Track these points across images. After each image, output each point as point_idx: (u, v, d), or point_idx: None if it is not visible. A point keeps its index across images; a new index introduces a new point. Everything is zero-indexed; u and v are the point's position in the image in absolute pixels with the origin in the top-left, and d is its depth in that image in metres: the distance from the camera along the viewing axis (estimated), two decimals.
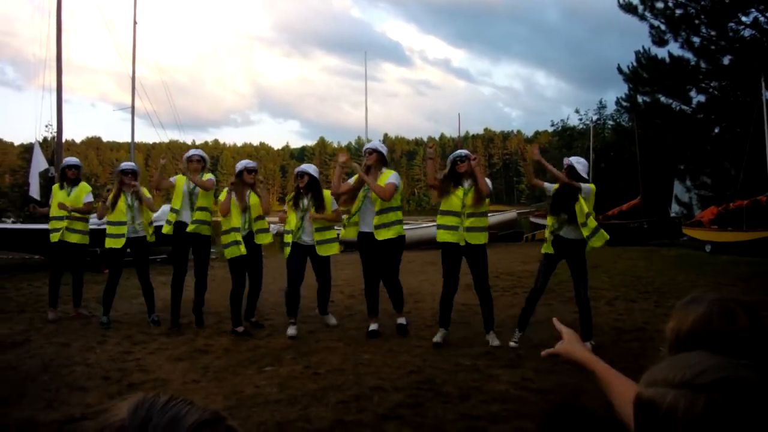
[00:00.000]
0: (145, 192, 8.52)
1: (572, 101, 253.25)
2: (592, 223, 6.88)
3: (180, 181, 8.32)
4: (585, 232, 6.84)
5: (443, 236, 7.18)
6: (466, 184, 7.12)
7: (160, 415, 0.80)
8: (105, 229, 8.47)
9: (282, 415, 4.89)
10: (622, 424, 1.26)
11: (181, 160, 8.51)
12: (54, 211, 8.66)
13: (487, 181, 7.35)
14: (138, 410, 0.81)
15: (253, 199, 7.98)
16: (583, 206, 6.83)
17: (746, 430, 0.96)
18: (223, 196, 7.94)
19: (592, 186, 7.00)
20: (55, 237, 8.59)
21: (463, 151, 7.37)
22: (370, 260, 7.66)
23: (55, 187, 8.93)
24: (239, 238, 7.77)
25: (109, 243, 8.33)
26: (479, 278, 7.17)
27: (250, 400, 5.27)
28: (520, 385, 5.58)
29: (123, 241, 8.23)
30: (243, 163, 8.22)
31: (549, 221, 7.19)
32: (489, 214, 7.49)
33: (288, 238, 7.78)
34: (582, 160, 7.23)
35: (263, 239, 8.10)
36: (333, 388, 5.56)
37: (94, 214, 8.96)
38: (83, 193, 8.73)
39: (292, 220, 7.76)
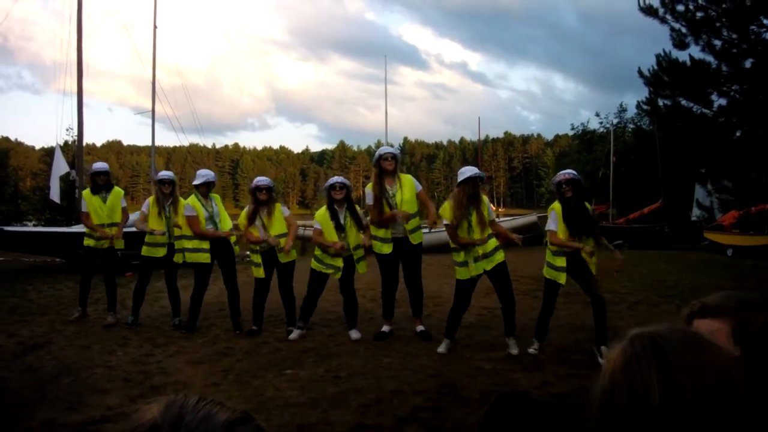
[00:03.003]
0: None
1: (591, 104, 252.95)
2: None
3: (199, 211, 8.05)
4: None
5: (463, 274, 6.97)
6: (471, 207, 6.86)
7: (193, 414, 0.82)
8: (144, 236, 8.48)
9: (303, 418, 4.90)
10: (565, 408, 1.29)
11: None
12: (97, 220, 8.48)
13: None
14: (170, 409, 0.83)
15: (266, 218, 7.85)
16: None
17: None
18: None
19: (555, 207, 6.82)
20: (94, 244, 8.51)
21: (477, 172, 6.97)
22: (392, 264, 7.62)
23: (86, 192, 8.64)
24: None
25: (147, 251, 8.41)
26: (503, 292, 6.99)
27: (271, 402, 5.29)
28: (540, 389, 5.53)
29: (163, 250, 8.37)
30: (255, 181, 8.07)
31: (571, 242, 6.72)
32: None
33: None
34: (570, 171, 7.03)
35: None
36: (353, 391, 5.57)
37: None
38: (118, 198, 8.63)
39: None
